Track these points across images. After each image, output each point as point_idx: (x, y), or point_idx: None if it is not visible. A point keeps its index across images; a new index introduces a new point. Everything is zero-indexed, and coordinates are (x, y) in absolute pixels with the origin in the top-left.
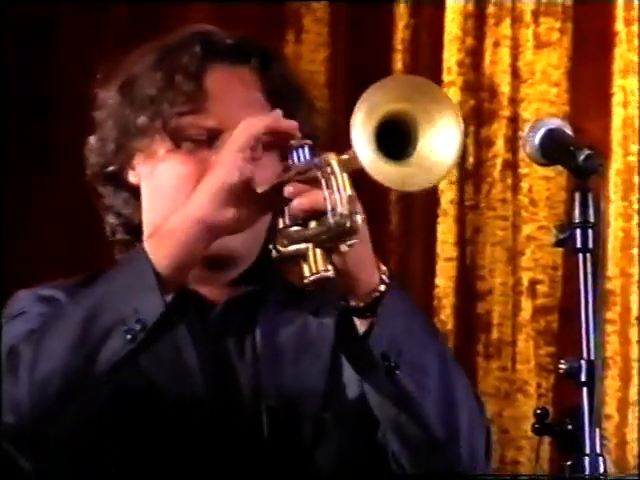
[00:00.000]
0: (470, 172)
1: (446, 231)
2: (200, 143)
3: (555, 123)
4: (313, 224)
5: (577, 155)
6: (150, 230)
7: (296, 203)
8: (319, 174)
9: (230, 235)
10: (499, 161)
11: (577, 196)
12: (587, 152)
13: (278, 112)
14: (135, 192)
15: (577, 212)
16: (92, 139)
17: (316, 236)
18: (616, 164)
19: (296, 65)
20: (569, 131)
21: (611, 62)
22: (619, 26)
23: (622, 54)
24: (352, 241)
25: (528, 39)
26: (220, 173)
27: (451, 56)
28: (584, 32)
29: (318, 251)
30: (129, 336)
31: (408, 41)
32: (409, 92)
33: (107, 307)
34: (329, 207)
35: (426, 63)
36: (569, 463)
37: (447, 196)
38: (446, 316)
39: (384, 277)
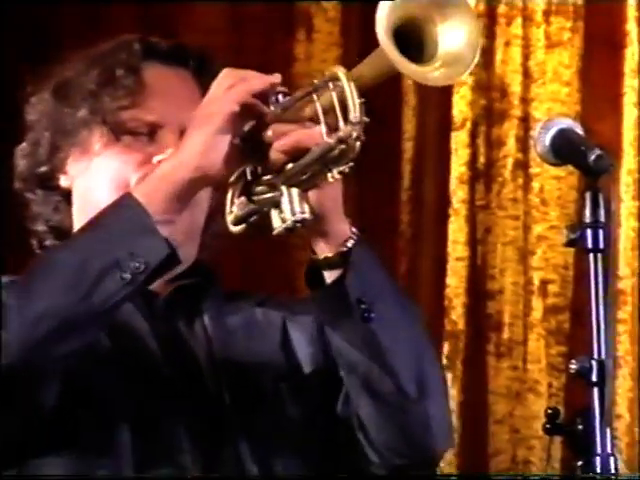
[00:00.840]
0: (481, 172)
1: (457, 231)
2: (139, 136)
3: (566, 123)
4: (300, 163)
5: (588, 155)
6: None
7: (277, 145)
8: (316, 97)
9: (211, 186)
10: (510, 161)
11: (588, 196)
12: (598, 152)
13: (267, 77)
14: (66, 196)
15: (588, 212)
16: (23, 145)
17: (303, 171)
18: (627, 164)
19: (307, 65)
20: (580, 131)
21: (622, 62)
22: (630, 26)
23: (633, 54)
24: (343, 168)
25: (539, 39)
26: (216, 122)
27: None
28: (595, 32)
29: (294, 191)
30: (127, 278)
31: None
32: None
33: (100, 251)
34: (324, 126)
35: None
36: (580, 463)
37: (458, 196)
38: (457, 316)
39: (353, 229)
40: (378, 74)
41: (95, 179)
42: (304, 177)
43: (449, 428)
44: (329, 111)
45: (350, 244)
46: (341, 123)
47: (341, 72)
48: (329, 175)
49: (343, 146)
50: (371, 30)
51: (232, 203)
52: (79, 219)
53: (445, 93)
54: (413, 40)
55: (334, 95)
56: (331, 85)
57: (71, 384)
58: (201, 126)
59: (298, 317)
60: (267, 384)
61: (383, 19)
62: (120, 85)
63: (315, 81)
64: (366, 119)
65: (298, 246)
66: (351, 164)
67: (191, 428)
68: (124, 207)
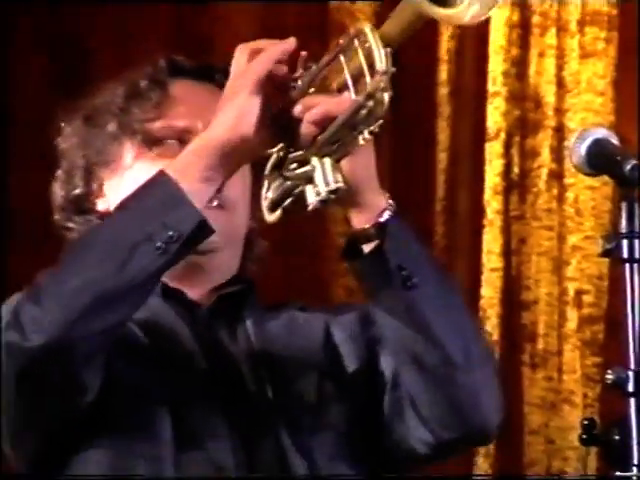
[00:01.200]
0: (515, 182)
1: (492, 241)
2: (170, 144)
3: (602, 133)
4: (330, 131)
5: (623, 165)
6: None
7: (307, 117)
8: (343, 58)
9: (247, 156)
10: (544, 171)
11: (623, 206)
12: (633, 162)
13: (271, 42)
14: (103, 217)
15: (623, 222)
16: (58, 173)
17: (332, 138)
18: None
19: None
20: (615, 141)
21: None
22: None
23: None
24: (373, 128)
25: (573, 49)
26: (245, 90)
27: (496, 66)
28: (629, 41)
29: (327, 161)
30: (161, 247)
31: (453, 51)
32: None
33: (133, 225)
34: (352, 86)
35: (471, 73)
36: (617, 474)
37: (493, 206)
38: (492, 326)
39: (390, 200)
40: (405, 26)
41: (129, 190)
42: (335, 146)
43: (499, 399)
44: (356, 72)
45: (387, 215)
46: (367, 77)
47: (367, 26)
48: (360, 138)
49: (371, 102)
50: (405, 41)
51: (267, 190)
52: None
53: (479, 104)
54: None
55: (360, 52)
56: (356, 42)
57: (112, 376)
58: (231, 98)
59: (339, 317)
60: (311, 381)
61: None
62: (147, 97)
63: (341, 41)
64: (393, 69)
65: (332, 258)
66: (381, 122)
67: (231, 419)
68: (157, 183)
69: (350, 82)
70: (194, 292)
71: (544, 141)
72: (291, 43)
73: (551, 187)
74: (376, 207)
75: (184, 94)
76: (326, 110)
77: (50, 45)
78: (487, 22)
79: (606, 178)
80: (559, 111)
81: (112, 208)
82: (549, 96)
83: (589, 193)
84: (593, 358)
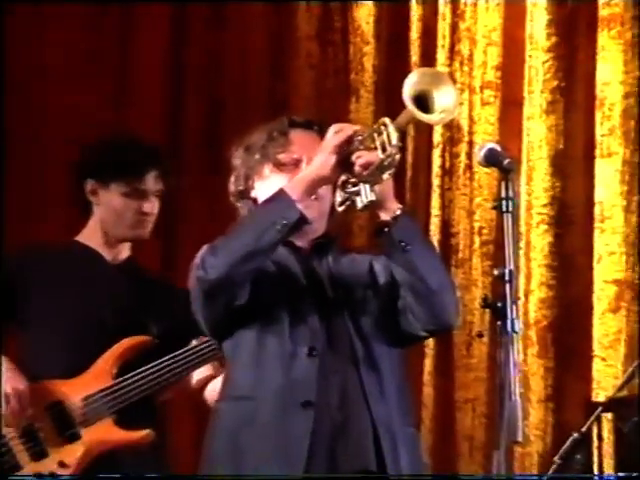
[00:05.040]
0: (447, 170)
1: (435, 202)
2: (290, 167)
3: (492, 144)
4: (367, 171)
5: (503, 161)
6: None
7: (360, 162)
8: (376, 137)
9: (326, 184)
10: (462, 165)
11: (502, 183)
12: (508, 159)
13: (352, 126)
14: (256, 202)
15: (503, 191)
16: (232, 178)
17: (369, 176)
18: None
19: (357, 115)
20: (500, 149)
21: None
22: None
23: None
24: (390, 172)
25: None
26: (328, 151)
27: None
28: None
29: (367, 186)
30: (279, 229)
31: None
32: (428, 77)
33: (266, 216)
34: (380, 149)
35: None
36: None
37: (435, 183)
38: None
39: (400, 206)
40: (406, 120)
41: (268, 190)
42: (371, 178)
43: (457, 308)
44: (382, 142)
45: (398, 212)
46: (387, 146)
47: (387, 119)
48: (384, 176)
49: (390, 159)
50: (395, 93)
51: (338, 195)
52: None
53: (427, 126)
54: (424, 100)
55: (384, 132)
56: (382, 127)
57: (255, 288)
58: (322, 152)
59: (376, 258)
60: (361, 290)
61: (407, 90)
62: (277, 140)
63: (374, 126)
64: (400, 144)
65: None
66: (394, 169)
67: (320, 315)
68: (279, 194)
69: (380, 147)
70: (301, 242)
71: (462, 149)
72: (356, 128)
73: (466, 172)
74: (391, 210)
75: (296, 138)
76: (367, 160)
77: None
78: None
79: (495, 168)
80: (470, 133)
81: (258, 197)
82: (465, 126)
83: (486, 176)
84: (488, 262)
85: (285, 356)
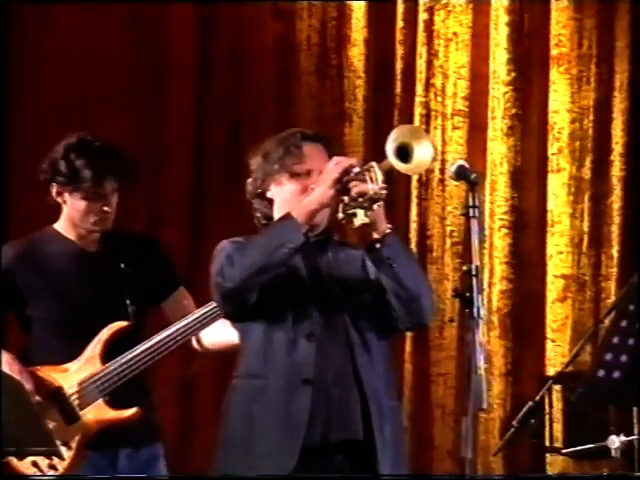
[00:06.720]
0: (423, 183)
1: (413, 210)
2: (303, 176)
3: (461, 162)
4: (361, 199)
5: (470, 175)
6: (283, 212)
7: (355, 190)
8: (366, 173)
9: (323, 209)
10: (436, 179)
11: (469, 194)
12: (475, 174)
13: (349, 159)
14: (270, 202)
15: (470, 201)
16: (249, 180)
17: (362, 203)
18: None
19: (350, 140)
20: (468, 165)
21: None
22: None
23: None
24: (379, 204)
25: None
26: (327, 183)
27: None
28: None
29: (362, 211)
30: (286, 250)
31: None
32: (408, 132)
33: (276, 238)
34: (370, 186)
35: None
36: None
37: (414, 194)
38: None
39: (389, 228)
40: (388, 167)
41: (284, 195)
42: (365, 205)
43: (433, 308)
44: (372, 178)
45: (387, 232)
46: (375, 184)
47: (374, 163)
48: (374, 206)
49: (380, 192)
50: (382, 119)
51: (339, 213)
52: (277, 213)
53: None
54: (404, 151)
55: (372, 172)
56: (370, 168)
57: (266, 288)
58: (321, 184)
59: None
60: (356, 283)
61: (390, 143)
62: (292, 151)
63: (365, 166)
64: (384, 185)
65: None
66: (381, 202)
67: (319, 306)
68: (286, 219)
69: (369, 181)
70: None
71: (436, 166)
72: (353, 162)
73: (439, 185)
74: (382, 229)
75: (309, 151)
76: (360, 190)
77: None
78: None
79: (464, 182)
80: (443, 152)
81: (274, 199)
82: (439, 146)
83: (456, 188)
84: (457, 259)
85: (288, 341)
